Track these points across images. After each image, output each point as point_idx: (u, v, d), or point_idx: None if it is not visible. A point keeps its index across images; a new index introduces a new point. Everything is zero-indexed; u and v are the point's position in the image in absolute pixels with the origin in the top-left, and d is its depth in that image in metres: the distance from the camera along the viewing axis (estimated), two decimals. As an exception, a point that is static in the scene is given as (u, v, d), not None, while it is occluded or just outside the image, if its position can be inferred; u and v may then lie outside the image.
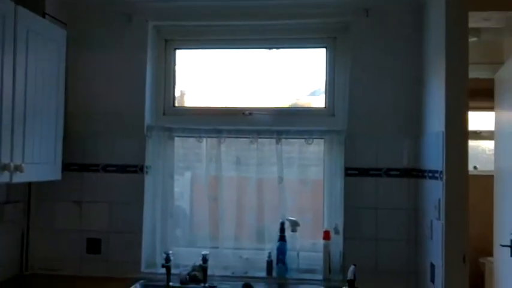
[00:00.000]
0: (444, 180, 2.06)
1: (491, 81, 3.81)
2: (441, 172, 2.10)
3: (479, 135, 5.14)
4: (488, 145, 5.38)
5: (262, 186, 2.77)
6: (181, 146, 2.87)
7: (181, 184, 2.93)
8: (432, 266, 2.20)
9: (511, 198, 3.11)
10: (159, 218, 2.77)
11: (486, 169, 5.16)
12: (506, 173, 3.31)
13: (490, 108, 3.95)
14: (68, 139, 2.70)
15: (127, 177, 2.75)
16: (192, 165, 2.93)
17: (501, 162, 3.52)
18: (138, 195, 2.73)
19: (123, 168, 2.76)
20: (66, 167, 2.73)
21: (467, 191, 2.07)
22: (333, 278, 2.61)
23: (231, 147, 2.80)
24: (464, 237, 2.04)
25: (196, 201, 2.94)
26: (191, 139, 2.83)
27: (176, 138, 2.83)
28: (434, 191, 2.18)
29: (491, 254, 3.96)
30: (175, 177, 2.85)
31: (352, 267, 2.25)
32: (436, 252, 2.15)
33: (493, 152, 4.05)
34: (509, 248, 3.04)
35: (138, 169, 2.74)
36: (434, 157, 2.21)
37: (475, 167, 4.93)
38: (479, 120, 4.87)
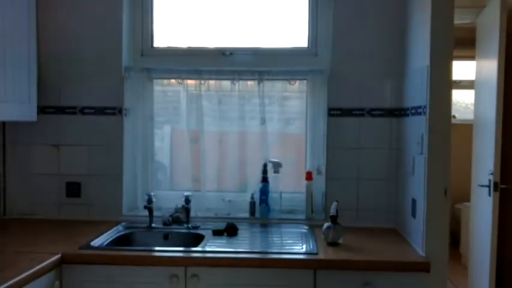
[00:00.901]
0: (428, 114, 2.05)
1: (472, 31, 3.80)
2: (425, 107, 2.09)
3: (459, 84, 5.17)
4: (467, 96, 5.44)
5: (244, 129, 2.74)
6: (161, 90, 2.82)
7: (160, 138, 2.88)
8: (413, 201, 2.23)
9: (490, 144, 3.16)
10: (140, 160, 2.73)
11: (464, 118, 5.26)
12: (485, 119, 3.35)
13: (471, 57, 3.96)
14: (43, 81, 2.62)
15: (106, 120, 2.68)
16: (171, 119, 2.90)
17: (481, 110, 3.56)
18: (117, 138, 2.67)
19: (101, 111, 2.68)
20: (42, 110, 2.65)
21: (450, 125, 2.07)
22: (315, 217, 2.63)
23: (212, 91, 2.74)
24: (445, 171, 2.06)
25: (176, 147, 2.90)
26: (171, 87, 2.77)
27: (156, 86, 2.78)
28: (418, 127, 2.18)
29: (468, 201, 4.07)
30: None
31: (334, 203, 2.26)
32: (417, 187, 2.17)
33: (469, 103, 4.12)
34: (487, 188, 3.12)
35: (117, 111, 2.67)
36: (418, 93, 2.20)
37: (453, 116, 4.97)
38: (459, 69, 4.89)
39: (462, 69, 5.01)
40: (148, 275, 2.06)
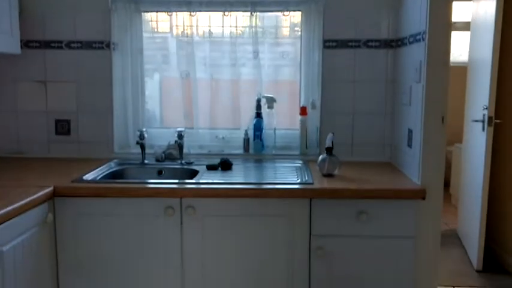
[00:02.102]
0: (427, 40, 1.99)
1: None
2: (424, 32, 2.02)
3: (454, 26, 5.08)
4: (460, 38, 5.36)
5: (236, 63, 2.66)
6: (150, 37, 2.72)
7: (150, 86, 2.79)
8: (410, 131, 2.20)
9: (485, 80, 3.13)
10: (130, 96, 2.66)
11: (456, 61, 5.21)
12: (481, 58, 3.31)
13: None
14: (26, 13, 2.49)
15: (93, 55, 2.59)
16: (161, 67, 2.80)
17: (477, 50, 3.51)
18: (106, 73, 2.59)
19: (88, 45, 2.58)
20: (26, 44, 2.55)
21: (449, 49, 2.01)
22: (309, 153, 2.61)
23: (203, 23, 2.65)
24: (443, 97, 2.02)
25: (167, 93, 2.82)
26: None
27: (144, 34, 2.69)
28: (416, 54, 2.12)
29: (459, 142, 4.08)
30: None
31: (330, 135, 2.23)
32: (414, 116, 2.14)
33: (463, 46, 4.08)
34: (480, 124, 3.11)
35: (105, 46, 2.58)
36: (416, 20, 2.13)
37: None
38: (455, 10, 4.78)
39: (458, 10, 4.91)
40: (143, 207, 2.04)
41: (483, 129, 3.08)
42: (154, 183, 2.12)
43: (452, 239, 3.83)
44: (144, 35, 2.70)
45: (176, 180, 2.14)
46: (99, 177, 2.27)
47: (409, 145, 2.21)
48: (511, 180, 3.27)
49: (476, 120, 3.17)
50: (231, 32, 2.64)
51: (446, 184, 5.03)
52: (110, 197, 2.04)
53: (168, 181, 2.13)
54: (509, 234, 3.30)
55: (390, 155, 2.56)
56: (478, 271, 3.23)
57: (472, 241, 3.34)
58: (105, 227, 2.06)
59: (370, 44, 2.52)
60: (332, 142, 2.23)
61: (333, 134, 2.25)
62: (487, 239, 3.28)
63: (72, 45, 2.58)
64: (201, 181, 2.13)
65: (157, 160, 2.54)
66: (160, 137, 2.66)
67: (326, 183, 2.09)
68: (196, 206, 2.03)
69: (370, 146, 2.58)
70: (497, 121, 3.10)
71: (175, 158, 2.55)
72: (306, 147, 2.62)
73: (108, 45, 2.57)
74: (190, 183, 2.10)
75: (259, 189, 2.04)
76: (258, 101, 2.63)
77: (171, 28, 2.77)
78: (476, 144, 3.30)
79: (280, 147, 2.68)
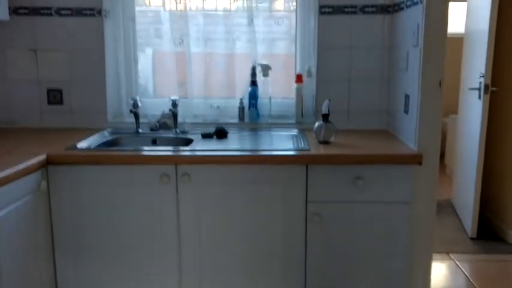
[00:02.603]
0: (425, 2, 1.95)
1: None
2: (422, -6, 1.99)
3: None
4: (455, 8, 5.30)
5: (231, 31, 2.61)
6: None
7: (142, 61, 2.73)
8: (406, 97, 2.18)
9: (481, 52, 3.10)
10: (123, 65, 2.61)
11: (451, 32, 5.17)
12: (477, 30, 3.28)
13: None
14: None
15: (85, 22, 2.52)
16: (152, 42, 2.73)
17: (473, 21, 3.48)
18: (98, 41, 2.53)
19: (78, 12, 2.52)
20: (15, 11, 2.49)
21: (447, 13, 1.98)
22: (305, 121, 2.59)
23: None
24: (440, 61, 1.99)
25: (160, 57, 2.76)
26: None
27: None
28: (413, 18, 2.09)
29: (454, 113, 4.08)
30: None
31: (326, 102, 2.20)
32: (411, 81, 2.12)
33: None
34: (477, 92, 3.09)
35: (96, 12, 2.51)
36: (414, -17, 2.09)
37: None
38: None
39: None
40: (138, 175, 2.02)
41: (479, 97, 3.07)
42: (150, 150, 2.09)
43: (446, 208, 3.86)
44: (137, 8, 2.63)
45: (171, 147, 2.11)
46: (93, 146, 2.24)
47: (406, 111, 2.19)
48: (507, 148, 3.28)
49: (473, 88, 3.16)
50: (224, 8, 2.59)
51: (441, 155, 5.04)
52: (105, 164, 2.01)
53: (163, 148, 2.11)
54: (503, 202, 3.33)
55: (386, 122, 2.54)
56: (472, 238, 3.26)
57: (467, 210, 3.37)
58: (100, 195, 2.04)
59: (366, 9, 2.48)
60: (328, 109, 2.20)
61: (329, 100, 2.22)
62: (482, 208, 3.31)
63: (62, 12, 2.52)
64: (196, 148, 2.10)
65: (151, 129, 2.51)
66: (154, 107, 2.62)
67: (322, 150, 2.08)
68: (192, 174, 2.01)
69: (367, 113, 2.56)
70: (494, 89, 3.08)
71: (169, 127, 2.52)
72: (302, 115, 2.60)
73: (99, 12, 2.51)
74: (185, 151, 2.08)
75: (255, 156, 2.02)
76: (253, 69, 2.60)
77: (163, 2, 2.70)
78: (472, 113, 3.29)
79: (275, 116, 2.66)
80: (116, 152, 2.06)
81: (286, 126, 2.58)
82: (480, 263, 2.91)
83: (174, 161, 2.01)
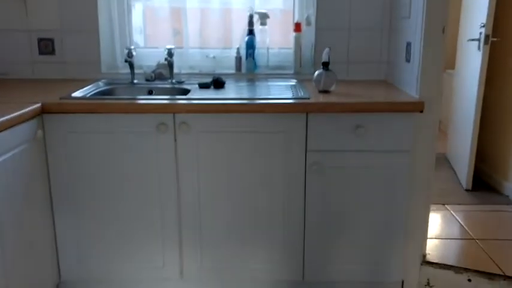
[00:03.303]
0: None
1: None
2: None
3: None
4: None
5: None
6: None
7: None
8: (408, 45, 2.14)
9: (482, 1, 3.03)
10: (116, 14, 2.53)
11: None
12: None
13: None
14: None
15: (74, -33, 2.43)
16: None
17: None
18: (89, -13, 2.44)
19: (68, -44, 2.42)
20: (1, -45, 2.38)
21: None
22: (304, 71, 2.54)
23: None
24: (444, 7, 1.95)
25: (152, 10, 2.68)
26: None
27: None
28: (417, -39, 2.02)
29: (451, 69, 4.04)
30: None
31: (326, 49, 2.15)
32: (414, 28, 2.07)
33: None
34: (476, 43, 3.05)
35: (87, -43, 2.41)
36: None
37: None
38: None
39: None
40: (134, 124, 1.99)
41: (479, 48, 3.03)
42: (146, 99, 2.05)
43: (441, 161, 3.89)
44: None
45: (168, 96, 2.07)
46: (88, 95, 2.19)
47: (408, 59, 2.15)
48: (504, 101, 3.27)
49: (473, 39, 3.11)
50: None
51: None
52: (101, 113, 1.97)
53: (160, 97, 2.06)
54: (498, 155, 3.35)
55: (386, 73, 2.50)
56: (467, 190, 3.30)
57: (462, 162, 3.39)
58: (96, 144, 2.01)
59: (368, -46, 2.40)
60: (328, 57, 2.16)
61: (330, 48, 2.17)
62: (476, 160, 3.32)
63: (51, -44, 2.41)
64: (194, 97, 2.06)
65: (147, 80, 2.46)
66: (149, 57, 2.56)
67: (322, 98, 2.04)
68: (190, 122, 1.98)
69: (366, 63, 2.51)
70: (494, 39, 3.04)
71: (165, 78, 2.47)
72: (300, 65, 2.56)
73: (90, -43, 2.41)
74: (183, 99, 2.03)
75: (255, 104, 1.98)
76: (251, 17, 2.52)
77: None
78: (470, 65, 3.26)
79: (273, 66, 2.61)
80: (112, 100, 2.01)
81: (284, 76, 2.54)
82: (475, 213, 2.96)
83: (172, 109, 1.97)
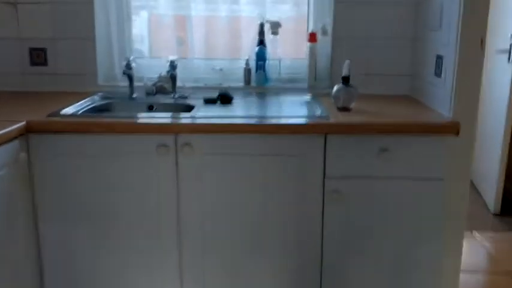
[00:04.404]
0: None
1: None
2: None
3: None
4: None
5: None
6: None
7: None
8: (439, 58, 1.90)
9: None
10: (115, 19, 2.32)
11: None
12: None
13: None
14: None
15: (70, -30, 2.22)
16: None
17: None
18: (85, -8, 2.23)
19: (63, -41, 2.21)
20: (-11, -43, 2.18)
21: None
22: (319, 85, 2.31)
23: None
24: (484, 15, 1.72)
25: (157, 18, 2.45)
26: None
27: None
28: (451, -35, 1.79)
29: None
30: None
31: (347, 62, 1.93)
32: (446, 40, 1.84)
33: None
34: (506, 55, 2.81)
35: (83, -41, 2.21)
36: None
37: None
38: None
39: None
40: (130, 145, 1.76)
41: (509, 60, 2.79)
42: (144, 117, 1.82)
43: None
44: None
45: (170, 114, 1.84)
46: (80, 111, 1.97)
47: (438, 74, 1.91)
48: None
49: (502, 51, 2.87)
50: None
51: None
52: (91, 133, 1.75)
53: (160, 115, 1.83)
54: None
55: (410, 87, 2.27)
56: (495, 214, 3.04)
57: (489, 183, 3.13)
58: (87, 168, 1.79)
59: (391, -43, 2.17)
60: (349, 70, 1.93)
61: (350, 61, 1.94)
62: (505, 181, 3.07)
63: (44, -42, 2.21)
64: (198, 115, 1.83)
65: (147, 94, 2.24)
66: (151, 69, 2.35)
67: (343, 117, 1.81)
68: (194, 144, 1.76)
69: (387, 76, 2.28)
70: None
71: (167, 92, 2.25)
72: (315, 79, 2.33)
73: (86, -41, 2.20)
74: (186, 117, 1.81)
75: (266, 125, 1.75)
76: (261, 26, 2.30)
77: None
78: (499, 78, 3.01)
79: (285, 79, 2.38)
80: (105, 119, 1.79)
81: (298, 90, 2.31)
82: (505, 240, 2.70)
83: (174, 129, 1.75)
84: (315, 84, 2.32)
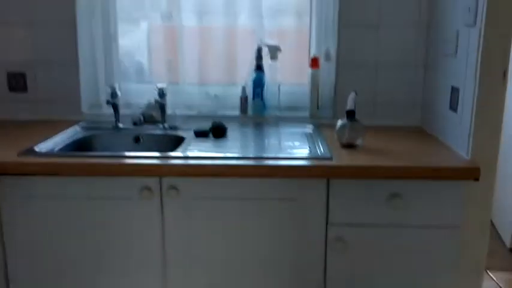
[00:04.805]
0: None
1: None
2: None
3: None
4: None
5: (232, 2, 2.12)
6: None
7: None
8: (454, 90, 1.72)
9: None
10: (100, 42, 2.13)
11: None
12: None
13: None
14: None
15: (51, -11, 2.04)
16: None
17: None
18: (69, 11, 2.05)
19: (43, -24, 2.04)
20: (-37, -25, 2.00)
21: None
22: (321, 115, 2.13)
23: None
24: (507, 45, 1.53)
25: (145, 32, 2.27)
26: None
27: None
28: (469, -11, 1.61)
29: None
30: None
31: (352, 95, 1.74)
32: (462, 70, 1.65)
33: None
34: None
35: (65, -23, 2.03)
36: None
37: None
38: None
39: None
40: (110, 188, 1.58)
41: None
42: (125, 157, 1.63)
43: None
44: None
45: (154, 154, 1.65)
46: (60, 147, 1.78)
47: (453, 108, 1.72)
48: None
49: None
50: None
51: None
52: (66, 175, 1.56)
53: (143, 154, 1.64)
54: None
55: (421, 118, 2.08)
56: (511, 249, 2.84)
57: (505, 216, 2.93)
58: (63, 213, 1.60)
59: (401, -23, 1.99)
60: (354, 104, 1.74)
61: (356, 93, 1.75)
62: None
63: (23, -24, 2.03)
64: (187, 154, 1.64)
65: (134, 124, 2.06)
66: (140, 94, 2.17)
67: (348, 158, 1.61)
68: (181, 187, 1.57)
69: (397, 106, 2.10)
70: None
71: (156, 121, 2.07)
72: (318, 107, 2.14)
73: (68, -23, 2.02)
74: (173, 157, 1.62)
75: (263, 167, 1.56)
76: (259, 51, 2.12)
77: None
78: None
79: (284, 107, 2.19)
80: (82, 158, 1.59)
81: (298, 120, 2.12)
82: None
83: (159, 171, 1.56)
84: (317, 113, 2.13)
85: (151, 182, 1.57)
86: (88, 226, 1.61)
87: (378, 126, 2.01)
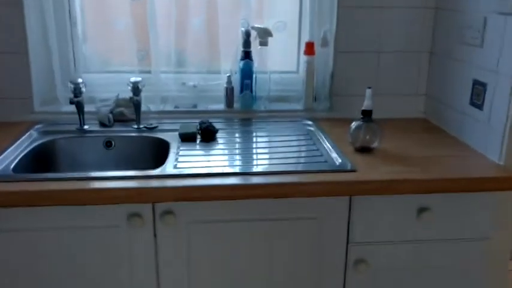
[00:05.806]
0: None
1: None
2: None
3: None
4: None
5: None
6: None
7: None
8: (479, 84, 1.53)
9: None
10: (53, 27, 1.75)
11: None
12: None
13: None
14: None
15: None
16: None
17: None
18: (12, -11, 1.66)
19: None
20: None
21: None
22: (317, 107, 1.89)
23: None
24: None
25: (107, 8, 1.88)
26: None
27: None
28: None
29: None
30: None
31: (368, 92, 1.51)
32: (491, 65, 1.46)
33: None
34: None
35: None
36: None
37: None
38: None
39: None
40: (91, 216, 1.28)
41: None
42: (107, 178, 1.32)
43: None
44: None
45: (144, 173, 1.34)
46: (14, 163, 1.42)
47: (476, 105, 1.54)
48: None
49: None
50: None
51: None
52: (30, 205, 1.24)
53: (130, 174, 1.34)
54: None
55: (425, 109, 1.90)
56: None
57: None
58: (37, 245, 1.30)
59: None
60: (372, 102, 1.52)
61: (371, 88, 1.53)
62: None
63: None
64: (183, 172, 1.35)
65: (102, 124, 1.73)
66: (105, 86, 1.84)
67: (370, 169, 1.39)
68: (177, 211, 1.30)
69: (400, 96, 1.90)
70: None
71: (128, 119, 1.76)
72: (314, 99, 1.90)
73: None
74: (167, 176, 1.33)
75: (275, 186, 1.31)
76: (247, 35, 1.83)
77: None
78: None
79: (273, 97, 1.93)
80: (49, 183, 1.25)
81: (291, 114, 1.88)
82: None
83: (150, 197, 1.27)
84: (312, 106, 1.90)
85: (143, 208, 1.29)
86: (69, 259, 1.32)
87: (378, 119, 1.81)
